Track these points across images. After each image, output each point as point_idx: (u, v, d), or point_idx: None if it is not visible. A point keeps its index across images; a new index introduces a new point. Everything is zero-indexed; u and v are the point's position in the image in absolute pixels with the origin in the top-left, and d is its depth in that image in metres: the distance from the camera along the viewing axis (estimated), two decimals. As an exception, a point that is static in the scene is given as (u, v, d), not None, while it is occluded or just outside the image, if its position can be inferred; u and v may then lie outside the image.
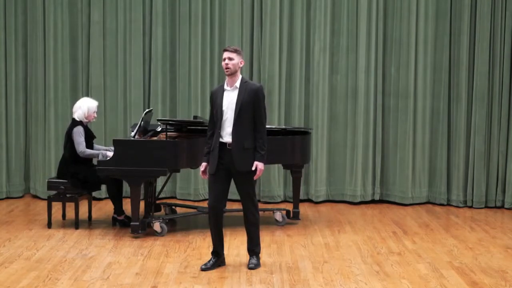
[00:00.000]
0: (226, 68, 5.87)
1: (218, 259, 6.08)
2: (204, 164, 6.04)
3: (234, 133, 5.85)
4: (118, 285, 5.57)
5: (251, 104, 5.85)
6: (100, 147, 7.71)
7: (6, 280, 5.64)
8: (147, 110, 7.64)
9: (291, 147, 7.63)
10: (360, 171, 9.01)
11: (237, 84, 5.90)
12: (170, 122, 7.63)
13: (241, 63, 5.93)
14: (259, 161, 5.88)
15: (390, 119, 9.04)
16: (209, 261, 6.07)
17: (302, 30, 8.97)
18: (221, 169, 5.90)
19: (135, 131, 7.30)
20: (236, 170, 5.89)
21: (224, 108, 5.88)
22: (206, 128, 7.64)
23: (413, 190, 9.00)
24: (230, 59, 5.86)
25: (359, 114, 8.95)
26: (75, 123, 7.42)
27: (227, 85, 5.94)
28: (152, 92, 9.02)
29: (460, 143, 8.90)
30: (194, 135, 7.59)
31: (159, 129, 7.75)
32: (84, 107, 7.46)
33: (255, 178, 5.94)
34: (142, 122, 7.37)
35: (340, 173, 9.08)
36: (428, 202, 9.08)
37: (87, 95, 8.79)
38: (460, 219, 8.26)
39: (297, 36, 8.96)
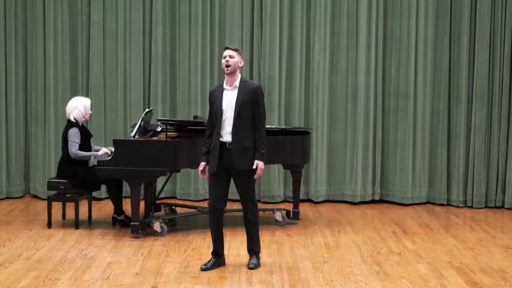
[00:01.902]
0: (227, 66, 5.87)
1: (218, 259, 6.08)
2: (202, 163, 6.04)
3: (234, 132, 5.86)
4: (118, 285, 5.57)
5: (251, 103, 5.86)
6: (98, 147, 7.71)
7: (6, 280, 5.64)
8: (147, 110, 7.64)
9: (291, 147, 7.63)
10: (360, 171, 9.01)
11: (237, 83, 5.91)
12: (170, 122, 7.63)
13: (240, 63, 5.94)
14: (259, 160, 5.88)
15: (390, 119, 9.04)
16: (209, 261, 6.07)
17: (302, 30, 8.97)
18: (221, 168, 5.91)
19: (134, 131, 7.30)
20: (236, 170, 5.89)
21: (223, 107, 5.89)
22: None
23: (413, 190, 9.00)
24: (230, 57, 5.87)
25: (359, 114, 8.95)
26: (70, 124, 7.41)
27: (226, 85, 5.95)
28: (152, 92, 9.02)
29: (460, 143, 8.90)
30: (194, 135, 7.59)
31: (159, 129, 7.76)
32: (80, 106, 7.45)
33: (255, 177, 5.95)
34: (142, 122, 7.37)
35: (340, 173, 9.08)
36: (428, 202, 9.08)
37: (87, 95, 8.80)
38: (460, 219, 8.26)
39: (297, 36, 8.96)
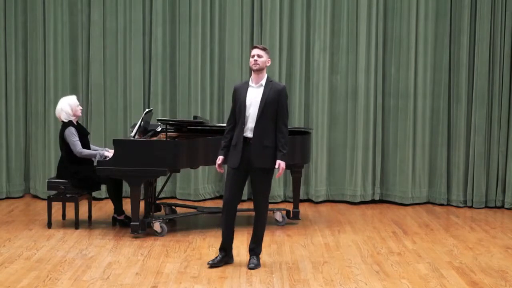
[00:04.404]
0: (255, 64, 5.94)
1: (226, 255, 6.13)
2: (220, 157, 6.10)
3: (256, 129, 5.92)
4: (118, 285, 5.57)
5: (275, 103, 5.92)
6: (96, 148, 7.70)
7: (6, 280, 5.64)
8: (147, 110, 7.64)
9: (291, 147, 7.60)
10: (360, 171, 9.01)
11: (263, 82, 5.98)
12: (170, 122, 7.63)
13: (268, 62, 6.01)
14: (281, 159, 5.93)
15: (390, 119, 9.04)
16: (216, 257, 6.12)
17: (302, 30, 8.97)
18: (242, 164, 5.96)
19: (134, 131, 7.30)
20: (254, 167, 5.93)
21: (247, 103, 5.95)
22: (206, 128, 7.73)
23: (413, 190, 9.00)
24: (259, 56, 5.96)
25: (359, 114, 8.95)
26: (65, 125, 7.40)
27: (252, 82, 6.01)
28: (152, 92, 9.02)
29: (460, 143, 8.90)
30: (194, 135, 7.59)
31: (159, 129, 7.76)
32: (66, 106, 7.40)
33: (277, 176, 6.02)
34: (142, 122, 7.37)
35: (340, 173, 9.08)
36: (428, 202, 9.08)
37: (87, 95, 8.82)
38: (460, 219, 8.26)
39: (297, 36, 8.96)
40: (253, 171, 5.97)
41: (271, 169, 5.98)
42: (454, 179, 8.96)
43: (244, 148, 5.94)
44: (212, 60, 9.03)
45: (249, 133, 5.95)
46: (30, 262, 6.18)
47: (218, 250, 6.18)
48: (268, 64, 6.01)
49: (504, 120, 8.85)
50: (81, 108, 7.58)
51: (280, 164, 5.92)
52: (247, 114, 5.94)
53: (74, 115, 7.46)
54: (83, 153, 7.33)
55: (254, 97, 5.94)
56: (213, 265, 6.03)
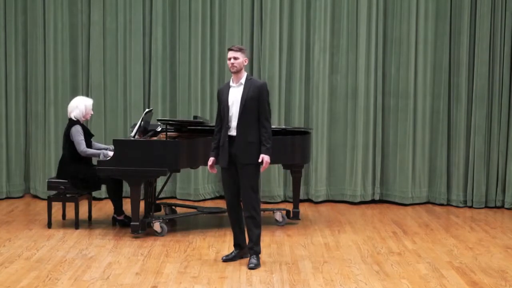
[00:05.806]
0: (232, 67, 6.05)
1: (240, 251, 6.26)
2: (212, 159, 6.21)
3: (239, 127, 6.02)
4: (118, 285, 5.57)
5: (256, 100, 6.02)
6: (100, 145, 7.72)
7: (6, 280, 5.65)
8: (147, 110, 7.64)
9: (291, 147, 7.63)
10: (360, 171, 9.01)
11: (242, 80, 6.09)
12: (170, 122, 7.64)
13: (245, 61, 6.12)
14: (265, 154, 6.01)
15: (390, 119, 9.04)
16: (231, 252, 6.26)
17: (302, 30, 8.98)
18: (232, 162, 6.07)
19: (134, 131, 7.30)
20: (240, 163, 6.02)
21: (229, 103, 6.07)
22: (206, 128, 7.74)
23: (413, 190, 9.00)
24: (235, 58, 6.06)
25: (359, 114, 8.95)
26: (72, 123, 7.42)
27: (233, 82, 6.13)
28: (152, 92, 9.02)
29: (460, 143, 8.90)
30: (194, 135, 7.60)
31: (159, 129, 7.76)
32: (81, 105, 7.46)
33: (262, 170, 6.11)
34: (142, 122, 7.38)
35: (340, 173, 9.08)
36: (428, 202, 9.08)
37: (87, 95, 8.79)
38: (460, 219, 8.26)
39: (297, 36, 8.96)
40: (240, 168, 6.05)
41: (257, 164, 6.05)
42: (454, 179, 8.96)
43: (230, 146, 6.05)
44: (212, 60, 9.03)
45: (233, 132, 6.06)
46: (30, 262, 6.18)
47: (233, 246, 6.33)
48: (245, 64, 6.12)
49: (504, 120, 8.85)
50: (92, 113, 7.62)
51: (264, 157, 6.01)
52: (230, 113, 6.07)
53: (84, 117, 7.50)
54: (87, 152, 7.35)
55: (235, 96, 6.06)
56: (227, 260, 6.18)
